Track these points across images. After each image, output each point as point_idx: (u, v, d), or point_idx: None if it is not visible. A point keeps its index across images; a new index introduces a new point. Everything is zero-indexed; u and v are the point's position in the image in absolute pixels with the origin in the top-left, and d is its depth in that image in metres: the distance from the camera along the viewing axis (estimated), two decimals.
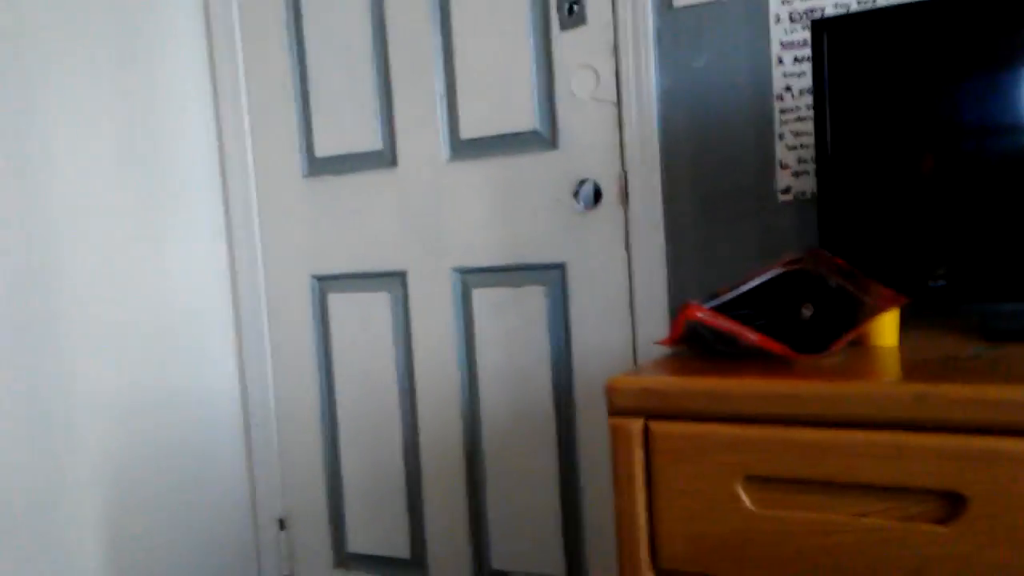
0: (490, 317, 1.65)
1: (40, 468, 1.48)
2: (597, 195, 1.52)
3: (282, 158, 1.83)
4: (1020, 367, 0.82)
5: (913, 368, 0.86)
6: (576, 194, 1.53)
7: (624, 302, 1.51)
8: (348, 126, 1.75)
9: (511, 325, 1.63)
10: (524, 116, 1.57)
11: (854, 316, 0.92)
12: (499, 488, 1.67)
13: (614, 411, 0.93)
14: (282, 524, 1.91)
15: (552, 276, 1.58)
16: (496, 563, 1.69)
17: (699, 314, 0.90)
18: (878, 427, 0.80)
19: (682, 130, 1.45)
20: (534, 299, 1.60)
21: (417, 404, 1.74)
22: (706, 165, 1.43)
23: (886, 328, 1.00)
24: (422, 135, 1.67)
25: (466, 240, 1.65)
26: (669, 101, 1.45)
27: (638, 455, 0.92)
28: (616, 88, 1.48)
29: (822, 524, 0.83)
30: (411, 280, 1.72)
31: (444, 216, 1.67)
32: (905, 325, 1.14)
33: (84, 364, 1.56)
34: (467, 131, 1.63)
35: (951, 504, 0.77)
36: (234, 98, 1.85)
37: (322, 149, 1.79)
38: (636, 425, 0.92)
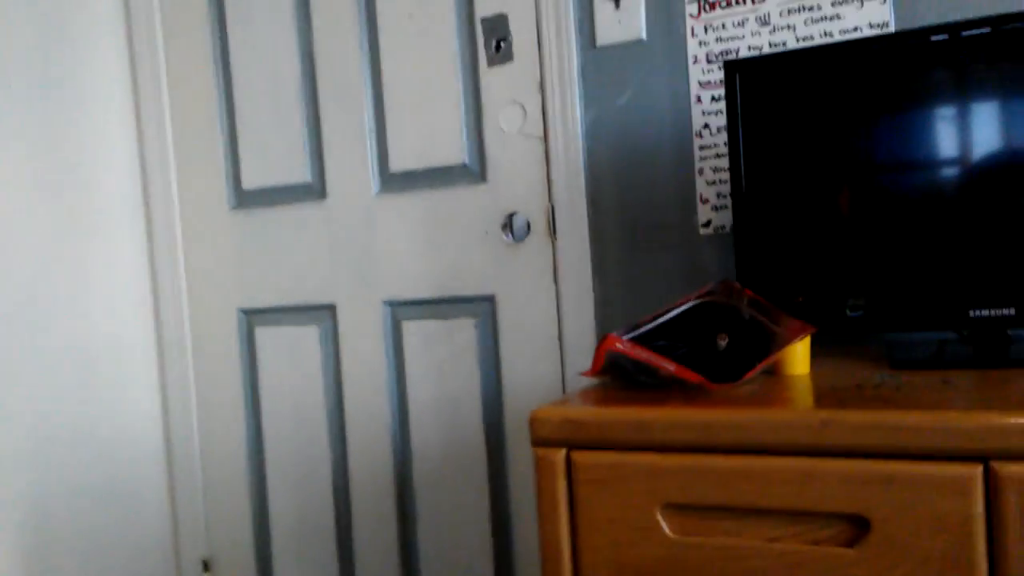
0: (421, 350, 1.65)
1: None
2: (526, 228, 1.54)
3: (208, 190, 1.81)
4: (918, 394, 0.86)
5: (821, 395, 0.90)
6: (505, 227, 1.55)
7: (553, 333, 1.53)
8: (276, 158, 1.74)
9: (442, 358, 1.63)
10: (453, 150, 1.59)
11: (767, 346, 0.96)
12: (431, 523, 1.65)
13: (537, 442, 0.94)
14: (206, 565, 1.85)
15: (482, 308, 1.59)
16: None
17: (618, 345, 0.92)
18: (788, 454, 0.83)
19: (607, 165, 1.48)
20: (464, 332, 1.61)
21: (347, 439, 1.72)
22: (630, 199, 1.47)
23: (798, 357, 1.04)
24: (351, 168, 1.67)
25: (396, 273, 1.65)
26: (594, 137, 1.49)
27: (561, 484, 0.93)
28: (543, 123, 1.51)
29: (737, 549, 0.85)
30: (341, 313, 1.71)
31: (374, 249, 1.67)
32: (817, 354, 1.19)
33: (2, 393, 1.50)
34: (396, 164, 1.64)
35: (856, 527, 0.80)
36: (159, 128, 1.82)
37: (249, 181, 1.77)
38: (559, 455, 0.93)
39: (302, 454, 1.76)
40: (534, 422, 0.94)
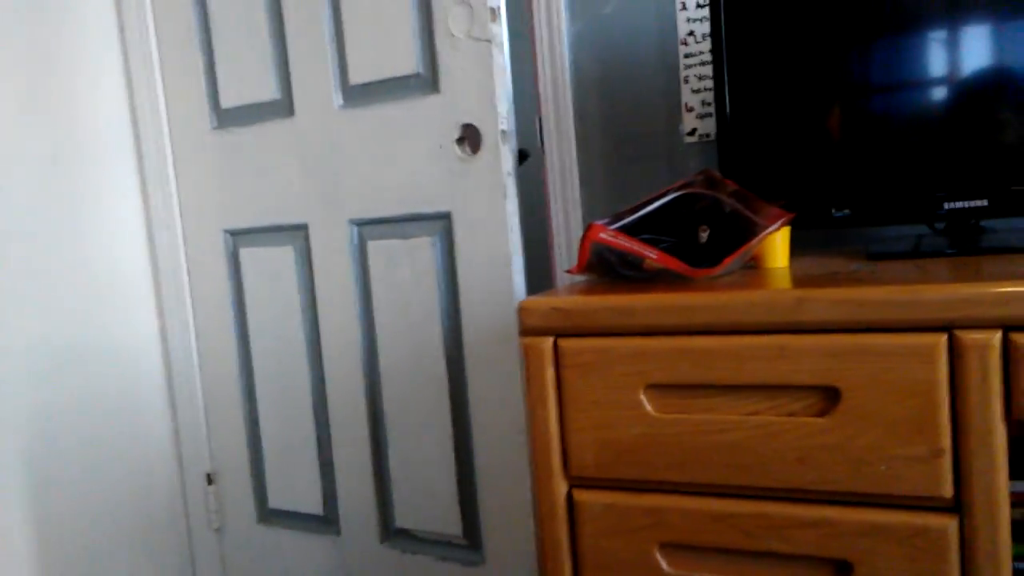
0: (385, 270, 1.61)
1: None
2: (479, 140, 1.47)
3: (193, 110, 1.80)
4: (889, 277, 0.90)
5: (798, 281, 0.93)
6: (459, 140, 1.49)
7: (505, 248, 1.46)
8: (249, 75, 1.71)
9: (403, 278, 1.59)
10: (406, 59, 1.51)
11: (746, 236, 0.99)
12: (400, 445, 1.65)
13: (525, 331, 0.98)
14: (210, 478, 1.90)
15: (438, 226, 1.54)
16: (400, 522, 1.67)
17: (602, 235, 0.94)
18: (764, 332, 0.87)
19: (593, 75, 1.49)
20: (423, 251, 1.56)
21: (323, 359, 1.72)
22: (616, 109, 1.48)
23: (777, 251, 1.07)
24: (315, 82, 1.63)
25: (359, 190, 1.61)
26: (580, 46, 1.49)
27: (549, 371, 0.97)
28: (496, 26, 1.41)
29: (716, 424, 0.89)
30: (312, 233, 1.69)
31: (339, 165, 1.63)
32: (796, 253, 1.22)
33: (4, 316, 1.52)
34: (356, 76, 1.58)
35: (828, 398, 0.85)
36: (143, 50, 1.80)
37: (227, 100, 1.75)
38: (547, 343, 0.97)
39: (285, 374, 1.78)
40: (523, 312, 0.97)
